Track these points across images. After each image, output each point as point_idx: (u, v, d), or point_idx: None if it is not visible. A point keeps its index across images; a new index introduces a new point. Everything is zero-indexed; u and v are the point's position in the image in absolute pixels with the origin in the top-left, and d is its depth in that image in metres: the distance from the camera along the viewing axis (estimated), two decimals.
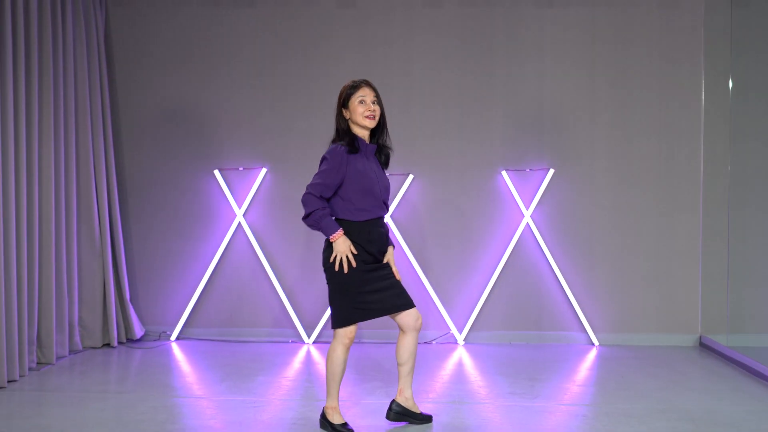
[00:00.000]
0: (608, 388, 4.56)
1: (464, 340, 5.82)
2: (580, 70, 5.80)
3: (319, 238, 5.88)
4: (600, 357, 5.41)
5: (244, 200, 5.89)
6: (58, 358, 5.19)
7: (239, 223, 5.90)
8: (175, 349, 5.64)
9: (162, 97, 5.97)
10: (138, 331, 5.81)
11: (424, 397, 4.28)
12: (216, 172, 5.91)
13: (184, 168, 5.96)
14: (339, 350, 3.60)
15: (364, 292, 3.59)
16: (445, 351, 5.57)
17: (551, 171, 5.77)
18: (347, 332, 3.60)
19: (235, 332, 5.94)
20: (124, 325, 5.80)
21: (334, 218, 3.59)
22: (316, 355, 5.45)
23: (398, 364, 3.77)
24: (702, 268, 5.77)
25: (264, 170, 5.90)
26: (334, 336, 3.63)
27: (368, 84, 3.66)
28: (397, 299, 3.66)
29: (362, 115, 3.60)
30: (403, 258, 5.78)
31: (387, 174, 3.83)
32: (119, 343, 5.76)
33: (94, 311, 5.59)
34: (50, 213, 5.00)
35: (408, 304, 3.69)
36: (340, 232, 3.53)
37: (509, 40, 5.82)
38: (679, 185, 5.79)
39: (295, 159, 5.89)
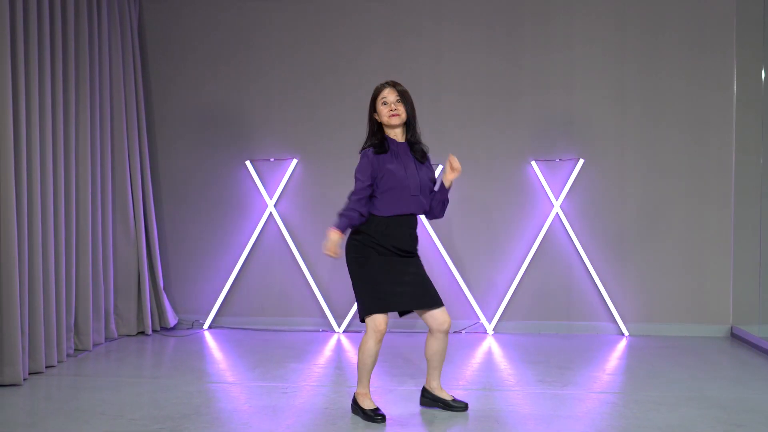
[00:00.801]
0: (638, 376, 4.56)
1: (493, 329, 5.84)
2: (609, 59, 5.78)
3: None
4: (630, 347, 5.40)
5: (275, 191, 5.96)
6: (95, 345, 5.30)
7: (270, 213, 5.97)
8: (208, 337, 5.73)
9: (194, 89, 6.06)
10: (171, 319, 5.92)
11: (455, 384, 4.32)
12: (248, 163, 5.98)
13: (217, 159, 6.04)
14: (370, 342, 3.64)
15: (384, 283, 3.63)
16: (474, 340, 5.59)
17: (581, 161, 5.76)
18: (376, 325, 3.62)
19: (266, 321, 6.02)
20: (158, 313, 5.91)
21: (356, 216, 3.67)
22: (347, 344, 5.50)
23: (426, 359, 3.84)
24: (733, 258, 5.73)
25: (294, 161, 5.96)
26: (366, 328, 3.69)
27: (392, 85, 3.75)
28: (422, 296, 3.69)
29: (386, 116, 3.71)
30: (432, 248, 5.82)
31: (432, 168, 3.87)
32: (153, 331, 5.87)
33: (128, 300, 5.70)
34: (87, 203, 5.11)
35: (434, 303, 3.70)
36: (336, 231, 3.65)
37: (538, 29, 5.81)
38: (710, 175, 5.74)
39: (326, 150, 5.94)
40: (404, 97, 3.72)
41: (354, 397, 3.76)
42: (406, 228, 3.73)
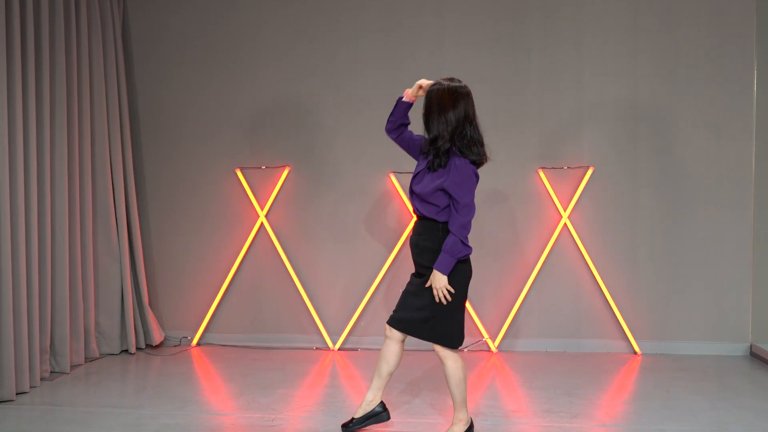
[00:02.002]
0: (653, 406, 4.22)
1: (497, 347, 5.52)
2: (621, 59, 5.42)
3: (344, 240, 5.64)
4: (643, 368, 5.07)
5: (266, 200, 5.64)
6: (74, 366, 5.00)
7: (262, 224, 5.65)
8: (196, 356, 5.42)
9: (182, 93, 5.74)
10: (157, 336, 5.61)
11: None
12: (238, 171, 5.66)
13: (205, 167, 5.73)
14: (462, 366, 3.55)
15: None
16: (477, 359, 5.27)
17: (591, 169, 5.42)
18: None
19: (257, 338, 5.71)
20: (142, 330, 5.60)
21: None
22: (342, 364, 5.19)
23: (389, 373, 3.67)
24: (753, 271, 5.39)
25: (287, 169, 5.64)
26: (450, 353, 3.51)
27: (428, 90, 3.51)
28: (394, 312, 3.60)
29: None
30: None
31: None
32: (138, 349, 5.56)
33: (111, 316, 5.39)
34: (64, 214, 4.80)
35: (401, 329, 3.58)
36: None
37: (545, 25, 5.46)
38: (728, 183, 5.39)
39: (321, 157, 5.62)
40: (431, 108, 3.44)
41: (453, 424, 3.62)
42: (415, 235, 3.60)
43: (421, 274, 3.52)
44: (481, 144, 3.43)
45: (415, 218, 3.58)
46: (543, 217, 5.50)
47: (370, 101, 5.56)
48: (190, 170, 5.74)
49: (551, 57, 5.46)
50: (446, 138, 3.37)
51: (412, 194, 3.50)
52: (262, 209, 5.64)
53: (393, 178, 5.53)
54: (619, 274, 5.46)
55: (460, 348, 3.58)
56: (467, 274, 3.50)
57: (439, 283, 3.38)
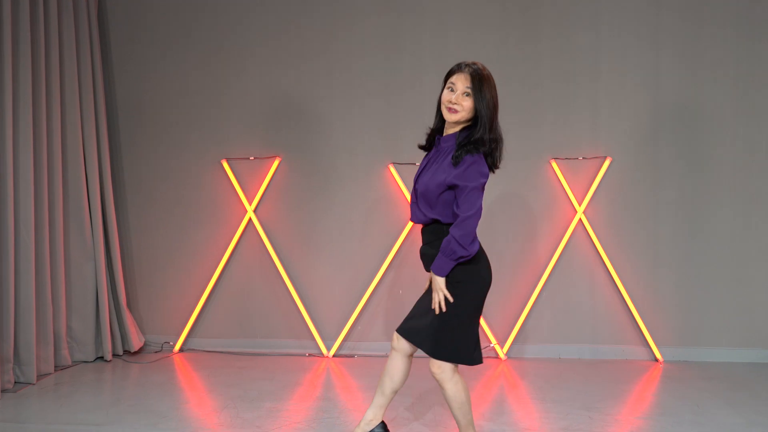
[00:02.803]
0: (681, 421, 3.78)
1: (507, 354, 5.08)
2: (641, 43, 4.99)
3: (339, 236, 5.20)
4: (665, 376, 4.63)
5: (255, 194, 5.21)
6: (42, 375, 4.56)
7: (250, 219, 5.22)
8: (178, 363, 4.99)
9: (164, 79, 5.30)
10: (136, 342, 5.17)
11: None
12: (224, 163, 5.22)
13: (188, 158, 5.29)
14: (461, 383, 3.09)
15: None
16: (484, 367, 4.84)
17: (608, 160, 4.98)
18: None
19: (245, 344, 5.28)
20: (120, 335, 5.16)
21: None
22: (337, 372, 4.75)
23: (393, 391, 3.23)
24: None
25: (277, 160, 5.20)
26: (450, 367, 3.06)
27: (465, 71, 2.93)
28: (405, 322, 3.16)
29: (445, 106, 2.97)
30: None
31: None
32: (115, 356, 5.12)
33: (85, 320, 4.95)
34: (29, 208, 4.36)
35: (405, 336, 3.13)
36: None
37: (559, 7, 5.02)
38: (758, 177, 4.97)
39: (313, 147, 5.18)
40: (477, 90, 2.89)
41: None
42: (423, 243, 3.14)
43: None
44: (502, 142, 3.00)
45: (415, 226, 3.15)
46: (556, 212, 5.06)
47: (367, 87, 5.12)
48: (172, 162, 5.31)
49: (566, 38, 5.02)
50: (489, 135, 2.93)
51: (416, 195, 3.06)
52: (250, 203, 5.21)
53: (392, 169, 5.09)
54: (639, 275, 5.03)
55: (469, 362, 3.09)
56: (482, 282, 3.04)
57: (436, 284, 2.94)
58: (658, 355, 4.99)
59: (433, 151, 3.08)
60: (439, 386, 3.08)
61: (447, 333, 2.96)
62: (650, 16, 4.97)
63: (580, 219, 5.03)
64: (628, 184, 5.03)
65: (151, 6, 5.30)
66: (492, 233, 5.01)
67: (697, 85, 4.96)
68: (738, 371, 4.76)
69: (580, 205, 5.02)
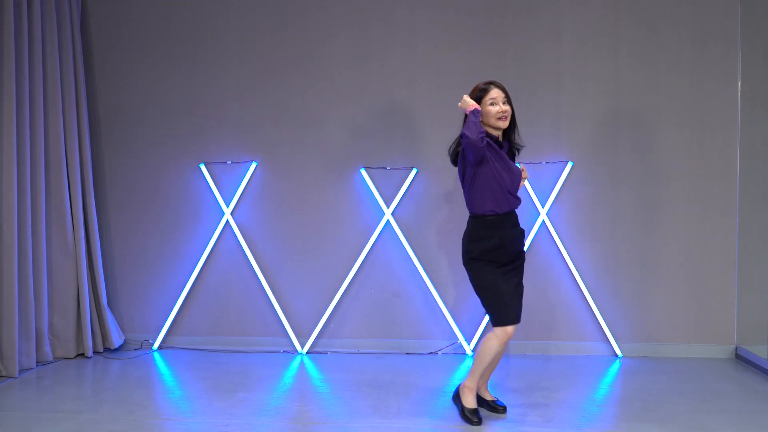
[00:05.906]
0: (633, 408, 3.99)
1: (473, 350, 5.28)
2: (601, 52, 5.23)
3: (313, 237, 5.39)
4: (624, 370, 4.85)
5: (232, 197, 5.40)
6: (23, 370, 4.72)
7: (227, 221, 5.40)
8: (157, 359, 5.15)
9: (143, 84, 5.48)
10: (116, 339, 5.33)
11: (425, 421, 3.75)
12: (202, 166, 5.41)
13: (167, 162, 5.47)
14: (495, 342, 3.66)
15: (500, 288, 3.67)
16: (452, 362, 5.04)
17: (570, 164, 5.21)
18: (508, 333, 3.66)
19: (222, 341, 5.45)
20: (100, 332, 5.32)
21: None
22: (311, 368, 4.93)
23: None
24: (738, 272, 5.18)
25: (254, 164, 5.39)
26: (494, 329, 3.69)
27: (497, 85, 3.71)
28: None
29: (495, 117, 3.67)
30: (406, 259, 5.26)
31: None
32: (95, 352, 5.29)
33: (66, 317, 5.11)
34: (12, 209, 4.54)
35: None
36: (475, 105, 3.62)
37: (522, 17, 5.26)
38: (712, 179, 5.20)
39: (289, 152, 5.38)
40: (510, 99, 3.72)
41: (458, 388, 3.88)
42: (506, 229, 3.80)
43: (510, 262, 3.75)
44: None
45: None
46: (520, 214, 5.26)
47: (340, 94, 5.33)
48: (151, 165, 5.48)
49: (529, 49, 5.25)
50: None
51: (510, 188, 3.75)
52: (227, 206, 5.39)
53: (364, 173, 5.29)
54: (599, 274, 5.25)
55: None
56: (467, 257, 3.79)
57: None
58: (618, 351, 5.19)
59: (493, 151, 3.67)
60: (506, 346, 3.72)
61: (483, 305, 3.73)
62: (609, 26, 5.21)
63: (544, 220, 5.24)
64: (589, 187, 5.25)
65: (130, 14, 5.48)
66: (458, 233, 5.21)
67: (655, 93, 5.19)
68: (692, 365, 4.98)
69: (543, 207, 5.24)
